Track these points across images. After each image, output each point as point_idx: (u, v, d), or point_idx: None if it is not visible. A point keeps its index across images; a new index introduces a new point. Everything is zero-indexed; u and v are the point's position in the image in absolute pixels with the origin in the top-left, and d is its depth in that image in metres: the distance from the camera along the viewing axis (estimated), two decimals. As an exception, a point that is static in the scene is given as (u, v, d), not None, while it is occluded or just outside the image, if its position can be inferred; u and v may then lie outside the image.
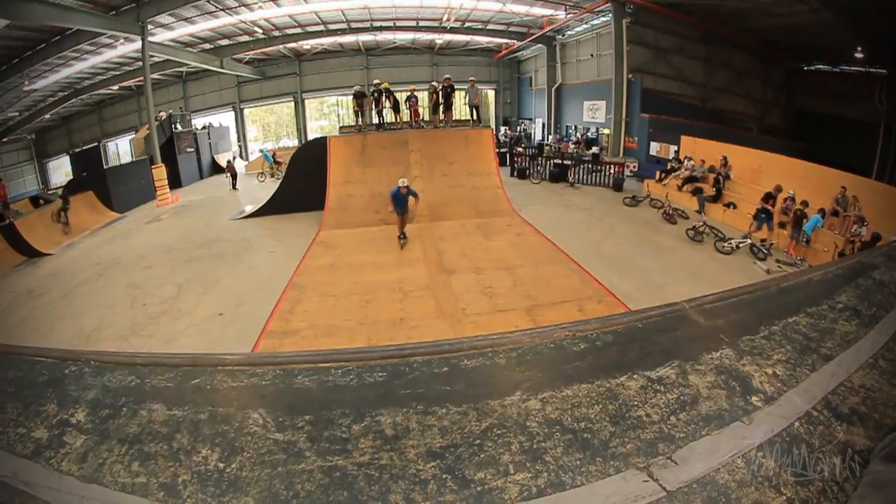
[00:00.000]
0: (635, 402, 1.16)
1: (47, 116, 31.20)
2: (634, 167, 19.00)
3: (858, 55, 18.17)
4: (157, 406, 1.20)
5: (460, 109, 15.08)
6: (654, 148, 19.54)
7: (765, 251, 10.67)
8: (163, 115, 24.18)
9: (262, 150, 20.77)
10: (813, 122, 22.06)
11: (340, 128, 15.15)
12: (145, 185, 19.40)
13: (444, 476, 0.97)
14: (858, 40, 17.41)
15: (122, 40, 21.25)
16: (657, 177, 16.91)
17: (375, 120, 14.86)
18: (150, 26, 19.78)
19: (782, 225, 11.79)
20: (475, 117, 15.03)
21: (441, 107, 14.65)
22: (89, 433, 1.16)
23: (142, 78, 21.46)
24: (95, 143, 31.22)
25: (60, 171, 33.90)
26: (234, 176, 21.18)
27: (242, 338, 6.92)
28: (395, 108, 14.98)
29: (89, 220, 16.83)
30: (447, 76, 15.16)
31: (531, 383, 1.22)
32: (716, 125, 20.28)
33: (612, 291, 8.01)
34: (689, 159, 16.07)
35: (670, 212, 13.41)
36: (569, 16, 23.75)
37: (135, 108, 32.59)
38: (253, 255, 10.95)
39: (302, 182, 13.44)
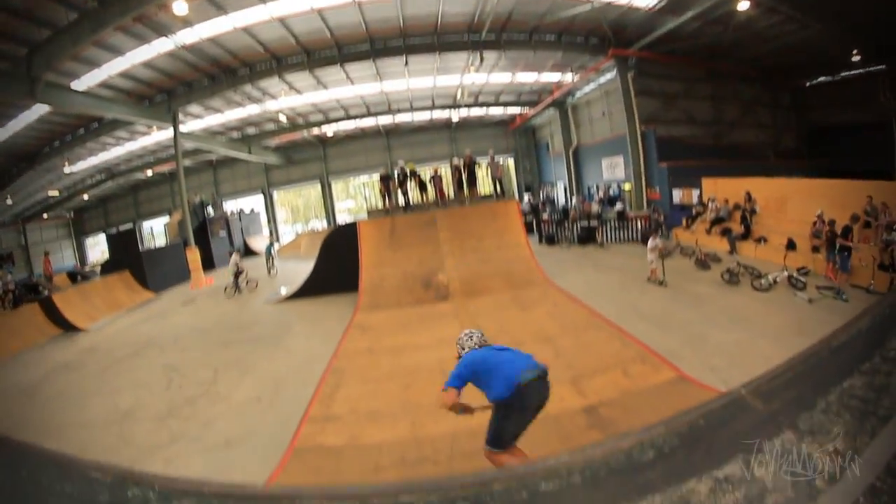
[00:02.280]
0: None
1: (85, 197, 33.11)
2: (661, 218, 18.91)
3: (855, 58, 18.68)
4: None
5: (483, 183, 15.39)
6: (677, 195, 19.53)
7: (803, 281, 10.40)
8: (197, 199, 25.25)
9: (267, 246, 21.19)
10: (827, 135, 22.19)
11: (369, 211, 15.58)
12: (180, 267, 20.04)
13: None
14: (852, 44, 17.94)
15: (155, 129, 22.72)
16: (684, 224, 16.77)
17: (402, 201, 15.25)
18: (180, 115, 21.22)
19: (816, 249, 11.57)
20: (499, 190, 15.30)
21: (465, 183, 14.98)
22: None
23: (174, 164, 22.75)
24: (131, 225, 32.73)
25: (97, 248, 35.54)
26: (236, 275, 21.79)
27: (282, 423, 6.84)
28: (422, 188, 15.42)
29: (125, 298, 17.46)
30: (468, 152, 15.59)
31: (609, 501, 1.21)
32: (733, 161, 20.49)
33: (654, 350, 7.77)
34: (713, 201, 16.05)
35: (702, 257, 13.22)
36: (576, 78, 24.55)
37: (168, 192, 34.35)
38: (290, 340, 10.99)
39: (334, 265, 13.72)
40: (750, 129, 23.65)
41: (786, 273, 10.73)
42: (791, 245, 12.23)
